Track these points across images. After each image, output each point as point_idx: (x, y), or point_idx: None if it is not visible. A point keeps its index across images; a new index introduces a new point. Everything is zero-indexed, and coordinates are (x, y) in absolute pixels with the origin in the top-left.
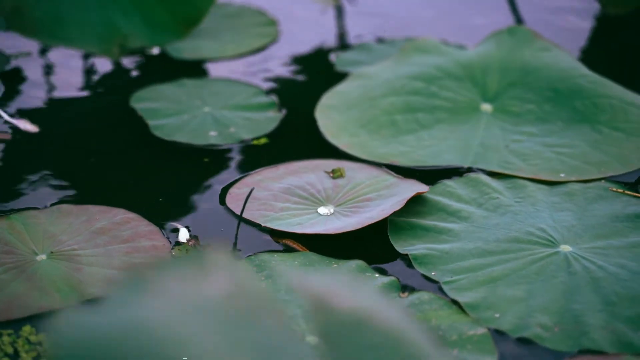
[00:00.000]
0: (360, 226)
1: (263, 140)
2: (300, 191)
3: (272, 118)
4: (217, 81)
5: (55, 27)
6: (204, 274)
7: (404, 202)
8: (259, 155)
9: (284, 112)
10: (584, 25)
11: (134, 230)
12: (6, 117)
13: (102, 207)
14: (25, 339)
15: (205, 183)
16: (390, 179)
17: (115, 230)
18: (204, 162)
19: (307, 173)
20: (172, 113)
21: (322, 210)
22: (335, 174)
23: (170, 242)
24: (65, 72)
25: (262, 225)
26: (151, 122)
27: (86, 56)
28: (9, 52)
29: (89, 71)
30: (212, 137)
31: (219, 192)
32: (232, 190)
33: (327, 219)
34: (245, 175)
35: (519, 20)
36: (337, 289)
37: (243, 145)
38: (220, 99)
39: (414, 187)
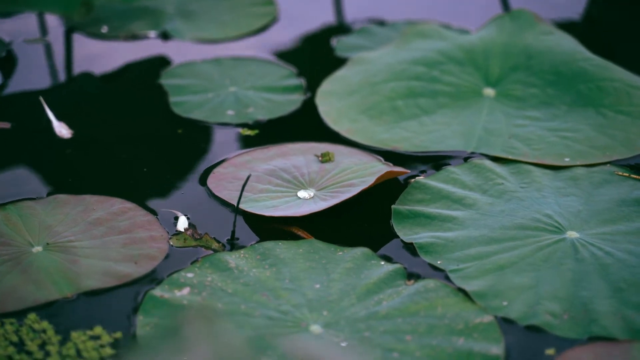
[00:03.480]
0: (325, 207)
1: (252, 132)
2: (284, 174)
3: (293, 101)
4: (253, 61)
5: None
6: (182, 348)
7: (372, 181)
8: (257, 140)
9: (308, 95)
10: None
11: (132, 220)
12: (51, 116)
13: (99, 196)
14: (29, 327)
15: (205, 165)
16: (379, 165)
17: (112, 221)
18: (211, 140)
19: (297, 155)
20: (198, 90)
21: (301, 193)
22: (324, 158)
23: (168, 233)
24: (74, 56)
25: (236, 206)
26: (173, 99)
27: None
28: (28, 37)
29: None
30: (228, 115)
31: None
32: (217, 170)
33: (304, 203)
34: (234, 156)
35: (506, 6)
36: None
37: (248, 128)
38: (250, 79)
39: (390, 169)
